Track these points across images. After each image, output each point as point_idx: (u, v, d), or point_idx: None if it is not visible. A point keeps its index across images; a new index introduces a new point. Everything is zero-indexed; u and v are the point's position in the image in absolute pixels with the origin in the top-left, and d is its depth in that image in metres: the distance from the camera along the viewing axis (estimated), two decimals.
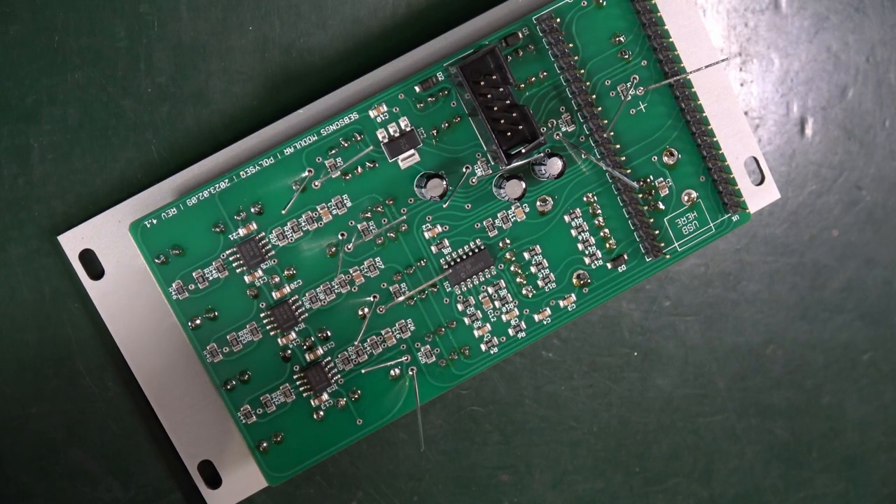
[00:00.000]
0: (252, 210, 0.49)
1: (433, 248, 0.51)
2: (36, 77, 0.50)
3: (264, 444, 0.50)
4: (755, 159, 0.55)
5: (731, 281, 0.58)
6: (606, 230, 0.52)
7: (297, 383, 0.50)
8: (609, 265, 0.52)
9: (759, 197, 0.55)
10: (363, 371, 0.51)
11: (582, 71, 0.51)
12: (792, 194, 0.58)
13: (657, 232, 0.52)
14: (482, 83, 0.49)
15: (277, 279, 0.50)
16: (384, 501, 0.55)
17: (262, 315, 0.50)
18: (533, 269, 0.52)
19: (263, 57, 0.52)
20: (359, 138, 0.50)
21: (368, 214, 0.50)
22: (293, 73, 0.52)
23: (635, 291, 0.55)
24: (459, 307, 0.51)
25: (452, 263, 0.51)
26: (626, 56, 0.51)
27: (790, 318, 0.59)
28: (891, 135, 0.59)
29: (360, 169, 0.50)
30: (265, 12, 0.51)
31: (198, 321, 0.49)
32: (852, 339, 0.60)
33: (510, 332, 0.52)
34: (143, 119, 0.51)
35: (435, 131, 0.50)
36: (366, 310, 0.50)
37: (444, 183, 0.49)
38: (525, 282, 0.52)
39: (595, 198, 0.52)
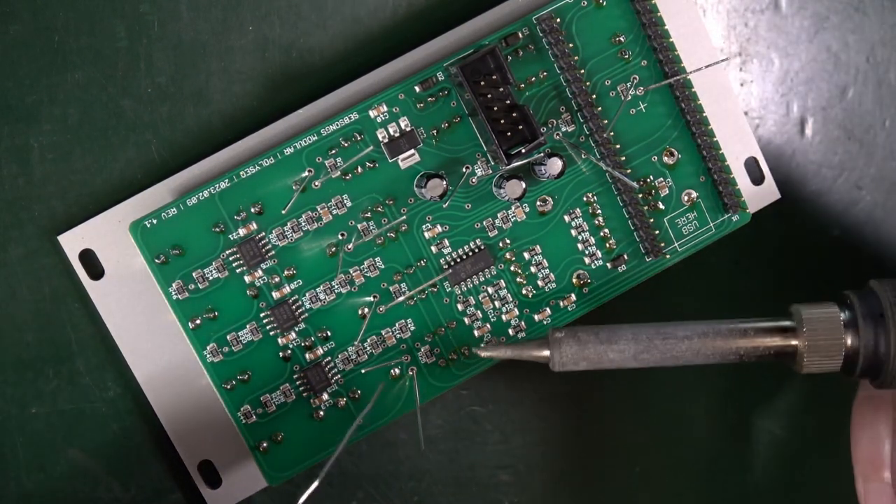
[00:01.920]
0: (252, 210, 0.49)
1: (433, 248, 0.51)
2: (36, 77, 0.50)
3: (264, 444, 0.50)
4: (755, 159, 0.55)
5: (730, 281, 0.58)
6: (606, 230, 0.52)
7: (297, 383, 0.50)
8: (609, 265, 0.52)
9: (759, 197, 0.55)
10: (363, 371, 0.51)
11: (582, 71, 0.51)
12: (792, 195, 0.58)
13: (657, 232, 0.52)
14: (482, 83, 0.49)
15: (277, 279, 0.50)
16: (384, 501, 0.55)
17: (262, 315, 0.50)
18: (533, 269, 0.52)
19: (263, 57, 0.52)
20: (359, 138, 0.50)
21: (368, 214, 0.50)
22: (293, 74, 0.52)
23: (635, 291, 0.55)
24: (459, 307, 0.51)
25: (452, 263, 0.51)
26: (626, 56, 0.51)
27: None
28: (891, 135, 0.59)
29: (360, 169, 0.50)
30: (265, 12, 0.51)
31: (198, 321, 0.49)
32: None
33: (510, 332, 0.52)
34: (143, 119, 0.51)
35: (435, 131, 0.50)
36: (366, 310, 0.50)
37: (444, 183, 0.49)
38: (525, 282, 0.52)
39: (595, 198, 0.52)
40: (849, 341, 0.48)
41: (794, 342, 0.49)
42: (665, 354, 0.49)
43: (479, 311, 0.51)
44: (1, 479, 0.51)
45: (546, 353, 0.49)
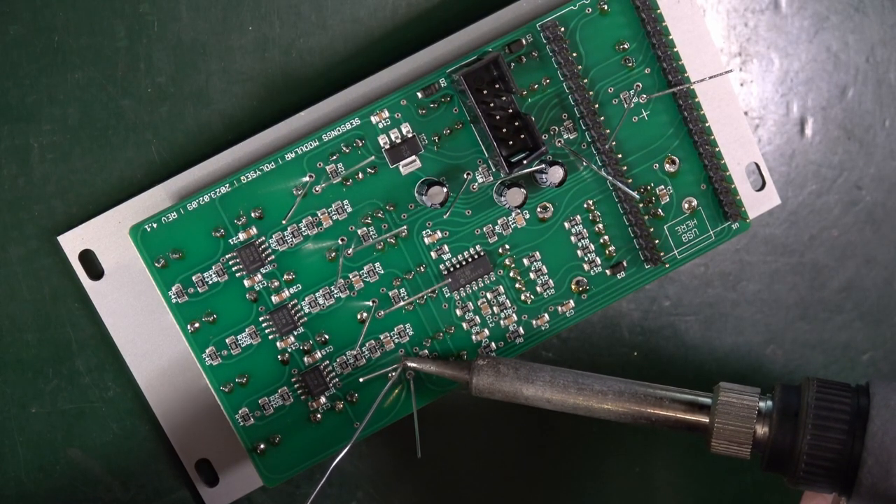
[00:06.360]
0: (252, 214, 0.49)
1: (433, 254, 0.51)
2: (36, 77, 0.50)
3: (261, 446, 0.50)
4: (757, 165, 0.54)
5: (730, 281, 0.58)
6: (606, 237, 0.52)
7: (295, 386, 0.50)
8: (608, 272, 0.52)
9: (759, 202, 0.55)
10: (361, 380, 0.51)
11: (585, 80, 0.50)
12: (792, 194, 0.58)
13: (657, 241, 0.52)
14: (485, 91, 0.49)
15: (277, 283, 0.50)
16: (384, 501, 0.56)
17: (261, 319, 0.50)
18: (532, 276, 0.52)
19: (263, 57, 0.51)
20: (360, 144, 0.49)
21: (369, 220, 0.50)
22: (293, 74, 0.52)
23: (635, 291, 0.55)
24: (458, 312, 0.51)
25: (452, 269, 0.51)
26: (630, 63, 0.51)
27: (790, 318, 0.59)
28: (891, 135, 0.59)
29: (360, 174, 0.50)
30: (265, 12, 0.51)
31: (197, 325, 0.49)
32: (852, 339, 0.60)
33: (508, 337, 0.52)
34: (143, 119, 0.51)
35: (436, 137, 0.50)
36: (365, 314, 0.50)
37: (445, 190, 0.49)
38: (524, 288, 0.52)
39: (595, 205, 0.52)
40: (759, 432, 0.47)
41: (705, 420, 0.48)
42: (577, 405, 0.49)
43: (477, 317, 0.51)
44: (1, 479, 0.52)
45: (465, 375, 0.50)
